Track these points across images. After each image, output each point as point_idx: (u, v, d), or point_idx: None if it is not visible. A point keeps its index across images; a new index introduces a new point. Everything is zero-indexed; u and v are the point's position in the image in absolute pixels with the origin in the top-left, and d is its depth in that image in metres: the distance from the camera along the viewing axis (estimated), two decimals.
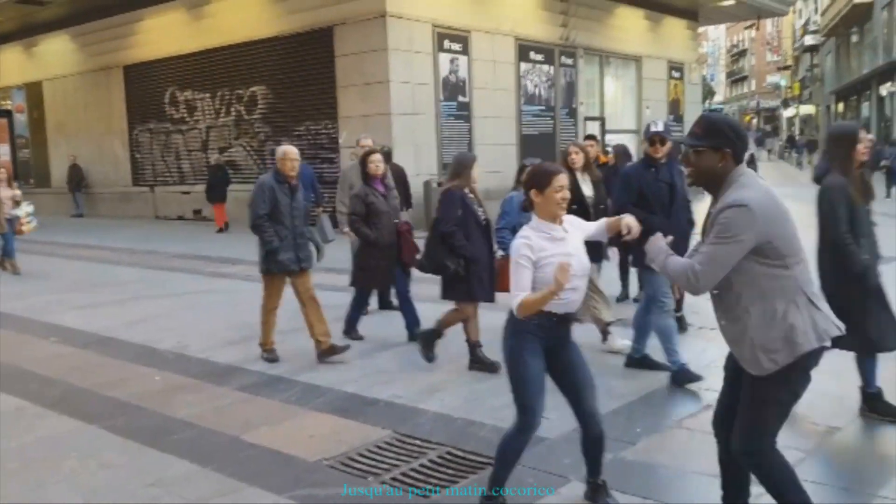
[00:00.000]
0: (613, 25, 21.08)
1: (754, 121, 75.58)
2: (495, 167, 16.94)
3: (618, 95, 22.31)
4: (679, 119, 24.32)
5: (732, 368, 3.09)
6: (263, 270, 6.23)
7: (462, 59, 16.70)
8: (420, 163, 15.59)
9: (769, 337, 2.81)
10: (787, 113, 64.29)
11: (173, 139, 20.28)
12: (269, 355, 6.29)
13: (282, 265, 6.12)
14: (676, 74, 24.11)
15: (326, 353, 6.14)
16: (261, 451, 4.40)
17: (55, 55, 22.94)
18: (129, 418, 4.99)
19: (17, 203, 11.32)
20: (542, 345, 3.37)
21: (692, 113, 25.31)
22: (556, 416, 4.72)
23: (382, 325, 7.47)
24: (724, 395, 3.17)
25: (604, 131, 21.24)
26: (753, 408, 2.91)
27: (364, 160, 6.75)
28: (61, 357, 6.65)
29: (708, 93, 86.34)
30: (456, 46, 16.54)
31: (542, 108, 19.06)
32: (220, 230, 16.63)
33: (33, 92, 24.32)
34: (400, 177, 8.54)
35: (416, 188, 14.88)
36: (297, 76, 16.91)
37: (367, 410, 5.02)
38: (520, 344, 3.36)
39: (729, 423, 3.04)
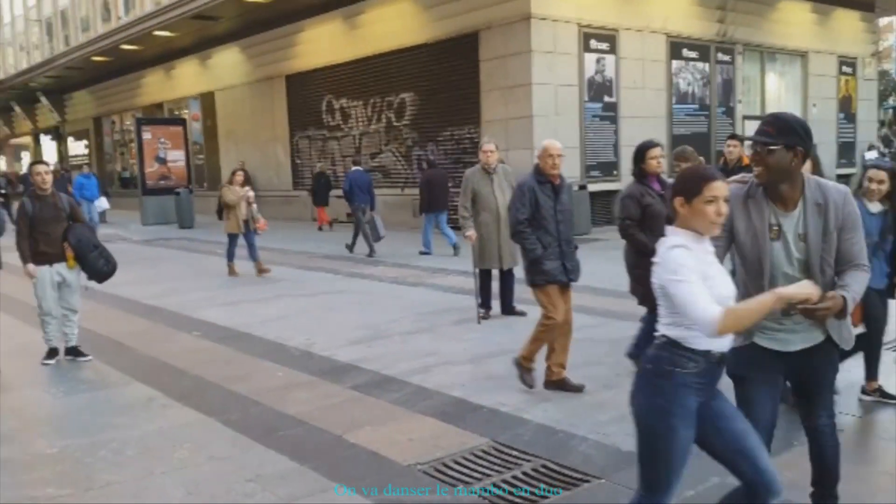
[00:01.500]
0: (776, 19, 19.82)
1: None
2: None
3: (781, 93, 20.96)
4: (851, 118, 22.55)
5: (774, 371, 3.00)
6: (529, 282, 5.48)
7: (609, 59, 16.28)
8: (563, 166, 15.30)
9: None
10: None
11: (329, 145, 21.15)
12: (527, 376, 5.43)
13: (548, 275, 5.35)
14: (848, 70, 22.33)
15: (555, 385, 5.41)
16: (358, 451, 4.44)
17: (226, 67, 24.57)
18: (244, 413, 5.20)
19: (249, 204, 11.47)
20: (698, 401, 2.60)
21: (866, 111, 23.43)
22: None
23: (500, 329, 7.40)
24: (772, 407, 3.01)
25: None
26: (831, 383, 3.15)
27: (642, 155, 5.57)
28: (198, 351, 7.06)
29: (893, 89, 79.58)
30: (602, 46, 16.15)
31: (696, 107, 18.24)
32: (321, 229, 18.67)
33: (207, 101, 26.17)
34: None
35: None
36: (443, 82, 17.14)
37: (469, 417, 4.95)
38: (670, 404, 2.56)
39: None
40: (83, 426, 5.08)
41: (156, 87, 28.90)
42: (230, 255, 11.70)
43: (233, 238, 11.56)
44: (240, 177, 11.58)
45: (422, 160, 16.67)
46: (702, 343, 2.54)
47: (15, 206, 11.37)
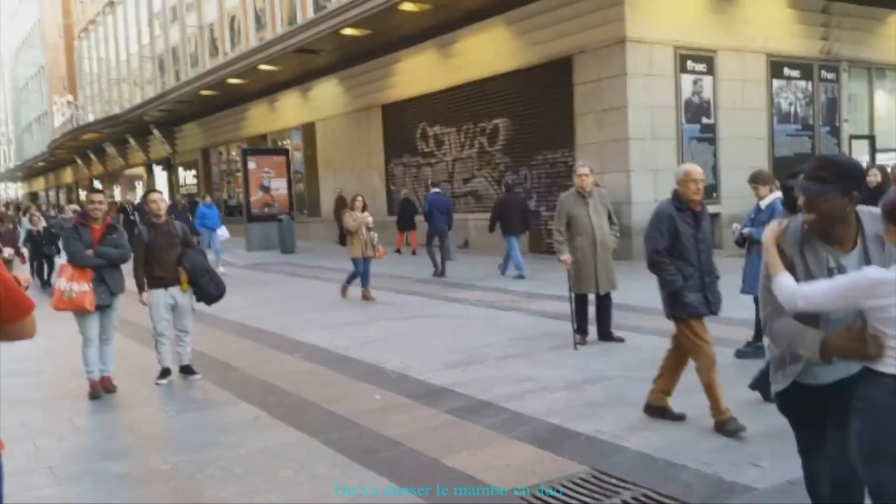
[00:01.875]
0: (885, 35, 18.98)
1: None
2: (742, 192, 15.93)
3: (891, 111, 20.01)
4: None
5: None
6: (670, 315, 5.22)
7: (706, 80, 15.96)
8: (658, 188, 15.06)
9: None
10: None
11: (423, 171, 21.49)
12: (733, 426, 4.88)
13: (690, 308, 5.08)
14: None
15: (656, 411, 5.31)
16: (456, 475, 4.48)
17: (325, 98, 25.38)
18: (344, 433, 5.33)
19: (369, 230, 11.58)
20: None
21: None
22: (769, 466, 4.35)
23: (597, 356, 7.31)
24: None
25: (873, 150, 19.18)
26: None
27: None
28: (300, 372, 7.28)
29: None
30: (700, 67, 15.86)
31: (799, 127, 17.63)
32: (398, 251, 19.38)
33: (308, 132, 27.06)
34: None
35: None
36: (537, 107, 17.19)
37: (567, 443, 4.92)
38: None
39: None
40: (193, 444, 5.32)
41: (260, 118, 30.11)
42: (351, 279, 11.73)
43: (357, 263, 11.57)
44: (360, 202, 11.68)
45: (502, 184, 16.92)
46: None
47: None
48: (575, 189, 7.93)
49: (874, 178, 7.61)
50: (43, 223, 16.17)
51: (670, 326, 5.36)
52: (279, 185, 25.01)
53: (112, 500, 4.31)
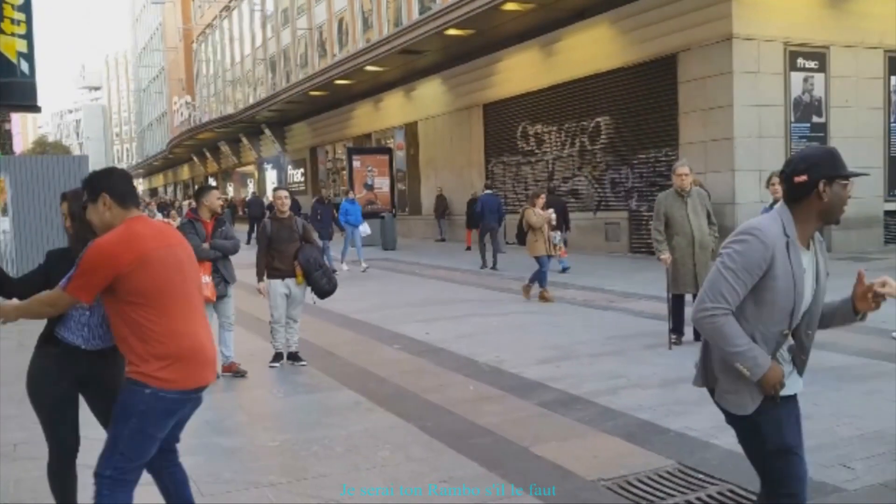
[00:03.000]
0: None
1: None
2: (856, 193, 15.27)
3: None
4: None
5: None
6: None
7: (818, 77, 15.43)
8: (763, 189, 14.66)
9: None
10: None
11: (523, 170, 21.61)
12: None
13: None
14: None
15: None
16: (544, 463, 4.65)
17: (428, 98, 25.86)
18: (438, 420, 5.58)
19: (553, 227, 11.34)
20: None
21: None
22: (861, 468, 4.33)
23: (691, 355, 7.25)
24: None
25: None
26: None
27: None
28: (399, 362, 7.59)
29: None
30: (811, 64, 15.34)
31: None
32: (468, 249, 20.12)
33: (410, 131, 27.64)
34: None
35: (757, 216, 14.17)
36: (640, 105, 17.04)
37: (656, 439, 5.00)
38: None
39: None
40: (299, 424, 5.69)
41: (365, 118, 30.94)
42: (538, 279, 11.18)
43: (542, 261, 11.13)
44: (541, 199, 11.36)
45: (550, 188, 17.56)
46: None
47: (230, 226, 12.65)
48: (674, 189, 7.93)
49: None
50: (178, 221, 17.27)
51: None
52: (382, 183, 25.68)
53: (224, 472, 4.69)
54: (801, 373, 2.91)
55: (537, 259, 11.17)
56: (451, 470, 4.59)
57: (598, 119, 18.43)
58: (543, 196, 11.46)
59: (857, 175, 2.75)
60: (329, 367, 7.50)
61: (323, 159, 36.75)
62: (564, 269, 14.13)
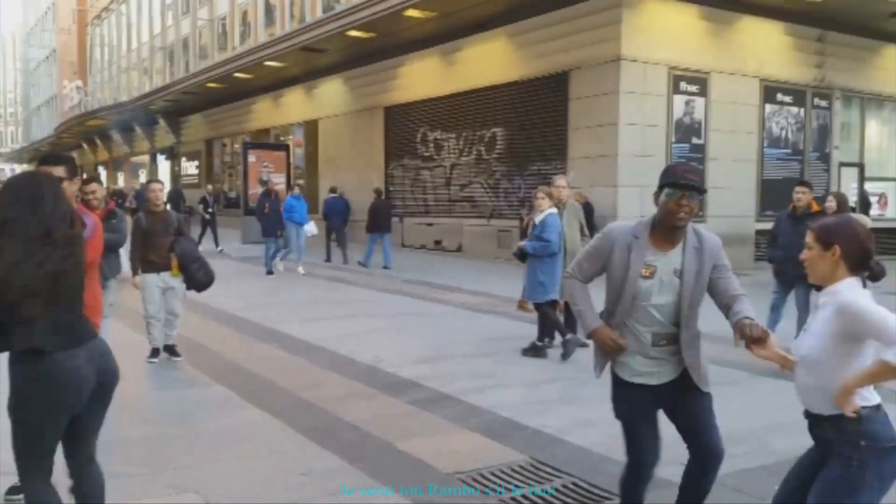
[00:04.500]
0: (878, 66, 19.33)
1: None
2: (730, 212, 16.35)
3: (882, 140, 20.38)
4: None
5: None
6: None
7: (699, 101, 16.32)
8: (644, 204, 15.37)
9: None
10: None
11: (422, 174, 21.85)
12: None
13: None
14: None
15: None
16: (405, 457, 4.82)
17: (330, 96, 25.76)
18: (308, 416, 5.67)
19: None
20: None
21: None
22: None
23: (560, 358, 7.65)
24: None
25: (862, 178, 19.53)
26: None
27: None
28: (275, 360, 7.62)
29: None
30: (692, 88, 16.21)
31: (789, 151, 17.97)
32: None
33: (310, 128, 27.44)
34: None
35: None
36: (533, 118, 17.55)
37: (514, 435, 5.26)
38: None
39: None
40: (167, 417, 5.67)
41: (264, 113, 30.50)
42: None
43: None
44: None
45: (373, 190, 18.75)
46: None
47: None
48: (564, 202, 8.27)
49: (830, 204, 7.92)
50: None
51: None
52: (278, 180, 25.35)
53: None
54: (696, 377, 3.28)
55: None
56: (313, 463, 4.70)
57: (495, 129, 18.87)
58: (586, 200, 11.22)
59: (677, 185, 3.10)
60: (204, 362, 7.45)
61: (219, 152, 35.97)
62: (385, 267, 15.87)
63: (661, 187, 3.21)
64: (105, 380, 3.08)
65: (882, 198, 19.91)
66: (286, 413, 5.73)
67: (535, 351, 7.79)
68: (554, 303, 8.17)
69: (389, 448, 5.00)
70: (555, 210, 7.82)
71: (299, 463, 4.69)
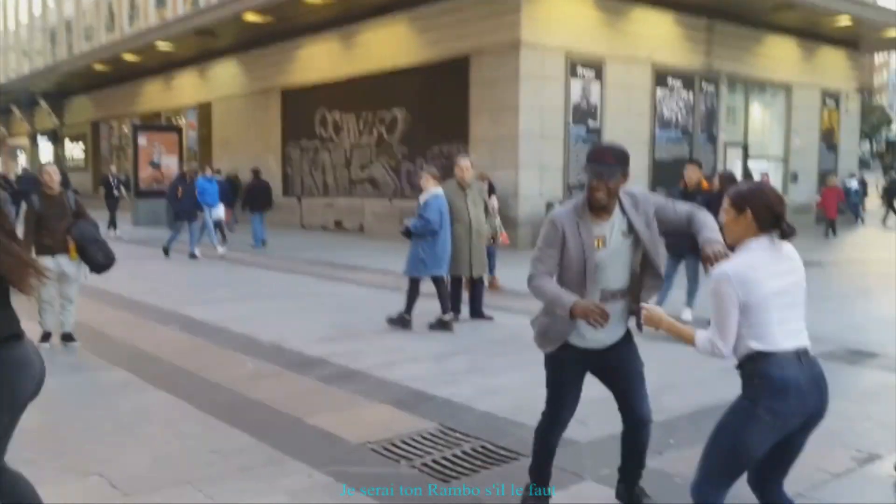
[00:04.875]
0: (762, 53, 20.40)
1: None
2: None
3: (764, 123, 21.54)
4: (833, 148, 23.08)
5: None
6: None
7: (594, 85, 16.79)
8: (545, 184, 15.85)
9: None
10: None
11: (321, 156, 21.61)
12: None
13: None
14: (831, 103, 22.92)
15: None
16: (316, 432, 4.81)
17: (224, 78, 25.07)
18: (213, 396, 5.57)
19: (489, 213, 10.40)
20: None
21: (848, 142, 24.02)
22: (594, 423, 4.87)
23: (467, 332, 7.80)
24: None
25: (746, 157, 20.59)
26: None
27: None
28: (174, 342, 7.43)
29: (886, 121, 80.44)
30: (588, 73, 16.66)
31: (679, 133, 18.74)
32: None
33: (204, 111, 26.65)
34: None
35: (538, 208, 15.19)
36: (435, 101, 17.64)
37: (423, 405, 5.33)
38: None
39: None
40: (64, 404, 5.42)
41: (155, 95, 29.39)
42: (489, 267, 9.90)
43: (489, 249, 9.79)
44: (485, 184, 10.60)
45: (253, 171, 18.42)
46: None
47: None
48: (456, 180, 8.36)
49: (716, 182, 8.35)
50: None
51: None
52: (170, 163, 24.55)
53: None
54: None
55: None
56: (221, 441, 4.63)
57: (396, 111, 18.85)
58: (489, 180, 10.84)
59: (589, 169, 3.29)
60: (101, 347, 7.18)
61: (106, 135, 34.45)
62: (263, 243, 16.14)
63: (626, 172, 3.32)
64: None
65: (764, 176, 21.01)
66: (190, 394, 5.60)
67: (440, 325, 7.88)
68: (461, 280, 8.32)
69: (298, 423, 4.97)
70: (439, 190, 7.98)
71: (207, 442, 4.61)
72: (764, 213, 2.81)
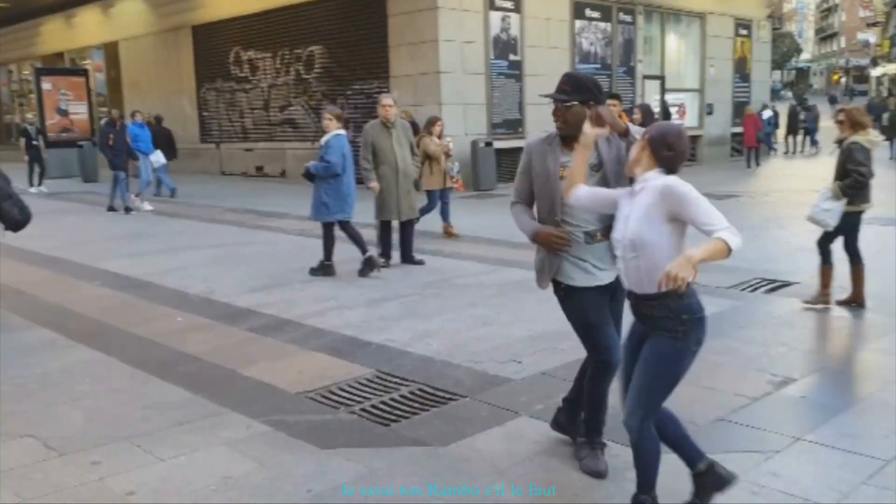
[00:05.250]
0: None
1: (843, 80, 72.34)
2: (550, 125, 16.98)
3: (680, 53, 21.84)
4: (745, 78, 23.64)
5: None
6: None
7: (514, 17, 16.67)
8: (468, 122, 15.82)
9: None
10: (875, 72, 61.28)
11: (238, 98, 20.96)
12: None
13: None
14: (744, 32, 23.37)
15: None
16: (251, 383, 4.82)
17: (130, 16, 23.85)
18: (144, 352, 5.49)
19: (448, 157, 10.00)
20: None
21: (760, 72, 24.61)
22: (528, 362, 5.02)
23: (398, 277, 7.84)
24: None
25: (664, 90, 20.92)
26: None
27: None
28: (100, 298, 7.24)
29: (794, 50, 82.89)
30: (507, 4, 16.51)
31: (598, 66, 18.86)
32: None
33: (111, 52, 25.38)
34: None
35: (463, 147, 15.17)
36: (352, 36, 17.22)
37: (358, 352, 5.38)
38: None
39: None
40: None
41: (56, 35, 27.79)
42: (423, 213, 9.58)
43: (433, 195, 9.93)
44: (439, 127, 10.11)
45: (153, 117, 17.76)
46: None
47: None
48: (379, 119, 8.25)
49: (636, 116, 8.50)
50: None
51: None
52: (79, 109, 23.45)
53: None
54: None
55: (428, 193, 9.85)
56: (156, 397, 4.59)
57: (312, 48, 18.36)
58: (440, 124, 10.41)
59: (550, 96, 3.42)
60: (22, 306, 6.94)
61: (5, 80, 32.54)
62: (172, 193, 15.60)
63: (587, 101, 3.30)
64: None
65: (681, 108, 21.46)
66: (120, 351, 5.51)
67: (367, 266, 7.88)
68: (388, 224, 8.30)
69: (234, 375, 4.97)
70: (341, 132, 7.90)
71: (141, 398, 4.56)
72: (660, 147, 2.92)
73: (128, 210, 13.69)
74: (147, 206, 14.00)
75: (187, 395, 4.60)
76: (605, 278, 3.41)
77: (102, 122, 15.07)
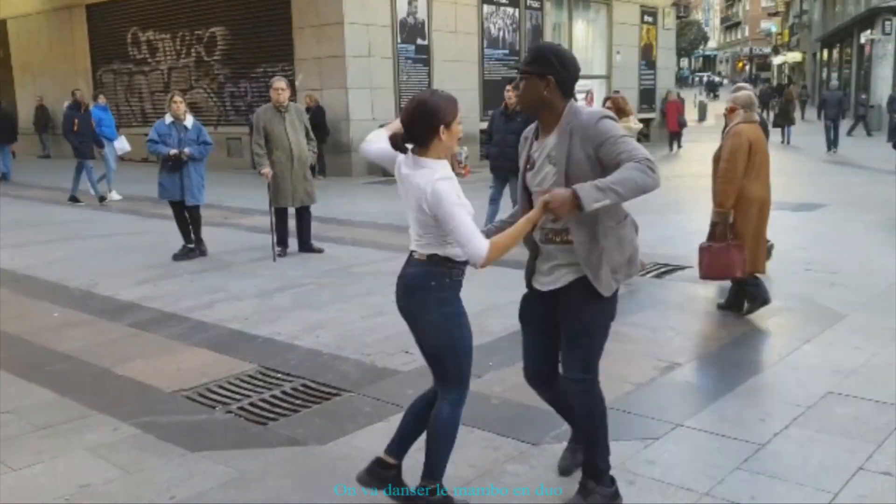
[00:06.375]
0: None
1: (747, 67, 75.02)
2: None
3: (588, 40, 22.10)
4: (651, 65, 24.13)
5: (540, 314, 3.08)
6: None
7: (421, 1, 16.49)
8: (376, 107, 15.58)
9: (619, 259, 2.96)
10: (777, 60, 63.81)
11: (136, 80, 20.13)
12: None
13: None
14: (649, 19, 23.84)
15: None
16: (125, 382, 4.55)
17: None
18: (11, 351, 5.13)
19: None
20: None
21: (665, 59, 25.16)
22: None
23: (295, 265, 7.62)
24: (538, 344, 3.14)
25: None
26: (587, 335, 2.97)
27: None
28: None
29: (701, 38, 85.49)
30: None
31: (506, 52, 18.90)
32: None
33: None
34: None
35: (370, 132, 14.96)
36: (255, 17, 16.74)
37: (243, 346, 5.17)
38: (459, 307, 2.96)
39: (551, 370, 3.14)
40: None
41: None
42: None
43: None
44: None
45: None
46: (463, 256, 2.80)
47: None
48: (272, 103, 7.98)
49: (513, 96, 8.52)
50: None
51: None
52: None
53: None
54: (591, 277, 2.96)
55: None
56: (19, 400, 4.28)
57: (214, 29, 17.76)
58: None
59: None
60: None
61: None
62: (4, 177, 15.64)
63: (543, 74, 2.87)
64: None
65: (588, 94, 21.69)
66: None
67: (182, 253, 8.13)
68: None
69: (107, 374, 4.69)
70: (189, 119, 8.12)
71: (3, 402, 4.25)
72: None
73: (102, 199, 12.71)
74: (116, 196, 13.07)
75: (53, 397, 4.31)
76: (546, 285, 3.08)
77: (66, 105, 13.71)
